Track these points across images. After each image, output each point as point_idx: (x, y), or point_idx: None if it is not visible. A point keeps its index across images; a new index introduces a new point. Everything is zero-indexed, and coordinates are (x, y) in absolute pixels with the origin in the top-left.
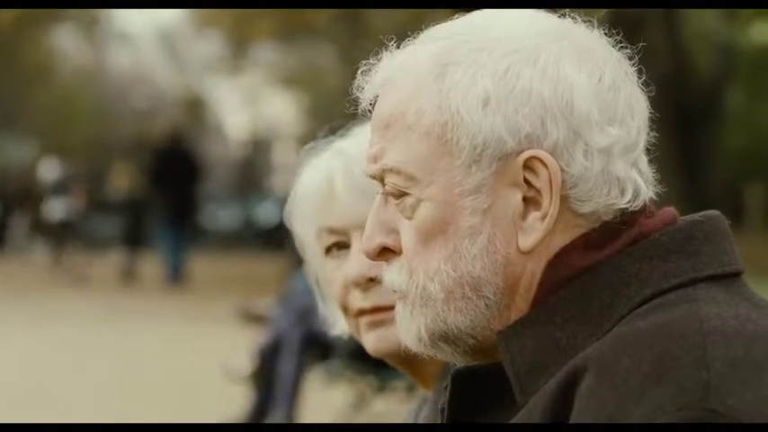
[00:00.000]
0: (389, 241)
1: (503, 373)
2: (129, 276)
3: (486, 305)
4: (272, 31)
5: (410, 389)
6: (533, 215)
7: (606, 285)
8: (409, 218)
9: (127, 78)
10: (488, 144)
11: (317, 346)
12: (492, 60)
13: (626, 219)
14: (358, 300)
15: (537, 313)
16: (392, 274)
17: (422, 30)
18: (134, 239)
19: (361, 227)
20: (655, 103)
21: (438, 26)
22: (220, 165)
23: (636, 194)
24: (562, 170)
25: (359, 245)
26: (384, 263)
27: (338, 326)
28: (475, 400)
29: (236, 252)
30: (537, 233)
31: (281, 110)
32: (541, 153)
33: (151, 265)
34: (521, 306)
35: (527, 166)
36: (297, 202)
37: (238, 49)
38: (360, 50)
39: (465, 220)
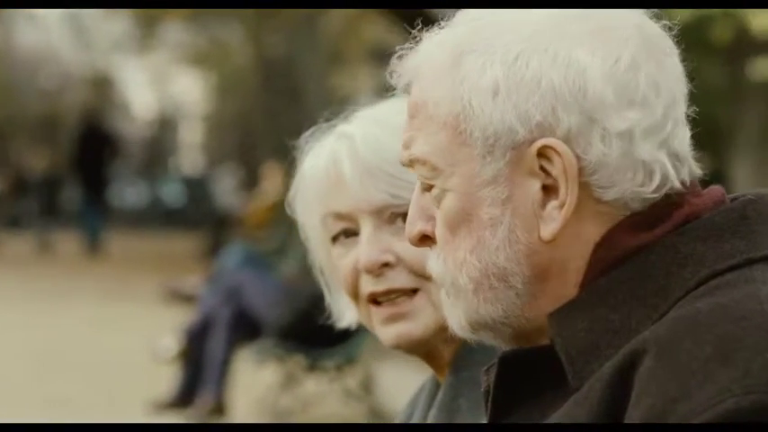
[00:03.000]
0: (429, 228)
1: (551, 355)
2: (45, 253)
3: (516, 294)
4: (180, 11)
5: (339, 368)
6: (552, 204)
7: (661, 266)
8: (438, 208)
9: (34, 58)
10: (500, 134)
11: (247, 326)
12: (502, 47)
13: (674, 198)
14: (370, 284)
15: (588, 295)
16: (432, 261)
17: (328, 12)
18: (50, 217)
19: (368, 211)
20: None
21: (469, 9)
22: (127, 143)
23: (665, 177)
24: (579, 157)
25: (368, 230)
26: (395, 247)
27: (345, 317)
28: (521, 383)
29: (143, 231)
30: (556, 222)
31: (188, 89)
32: (553, 141)
33: (70, 242)
34: (559, 292)
35: (541, 154)
36: (301, 187)
37: (147, 28)
38: (267, 30)
39: (485, 212)
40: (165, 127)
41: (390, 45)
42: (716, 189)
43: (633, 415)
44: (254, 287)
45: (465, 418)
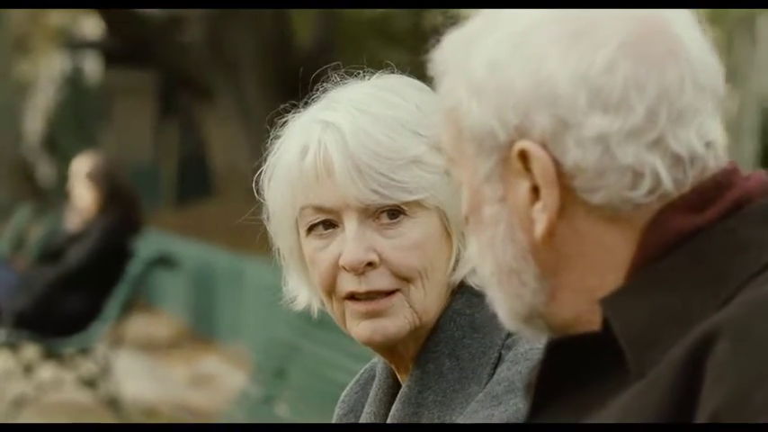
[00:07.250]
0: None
1: (601, 342)
2: None
3: (532, 290)
4: None
5: (74, 357)
6: (538, 206)
7: (721, 251)
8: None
9: None
10: (484, 135)
11: None
12: (487, 48)
13: (720, 179)
14: (351, 283)
15: (644, 280)
16: (471, 251)
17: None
18: None
19: (354, 207)
20: (260, 68)
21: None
22: None
23: (656, 180)
24: (557, 161)
25: (353, 226)
26: (379, 246)
27: (300, 301)
28: (567, 371)
29: None
30: (541, 224)
31: None
32: (528, 144)
33: None
34: (579, 285)
35: (522, 156)
36: (278, 173)
37: None
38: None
39: (487, 209)
40: None
41: (78, 32)
42: (760, 173)
43: (709, 402)
44: None
45: (432, 412)
